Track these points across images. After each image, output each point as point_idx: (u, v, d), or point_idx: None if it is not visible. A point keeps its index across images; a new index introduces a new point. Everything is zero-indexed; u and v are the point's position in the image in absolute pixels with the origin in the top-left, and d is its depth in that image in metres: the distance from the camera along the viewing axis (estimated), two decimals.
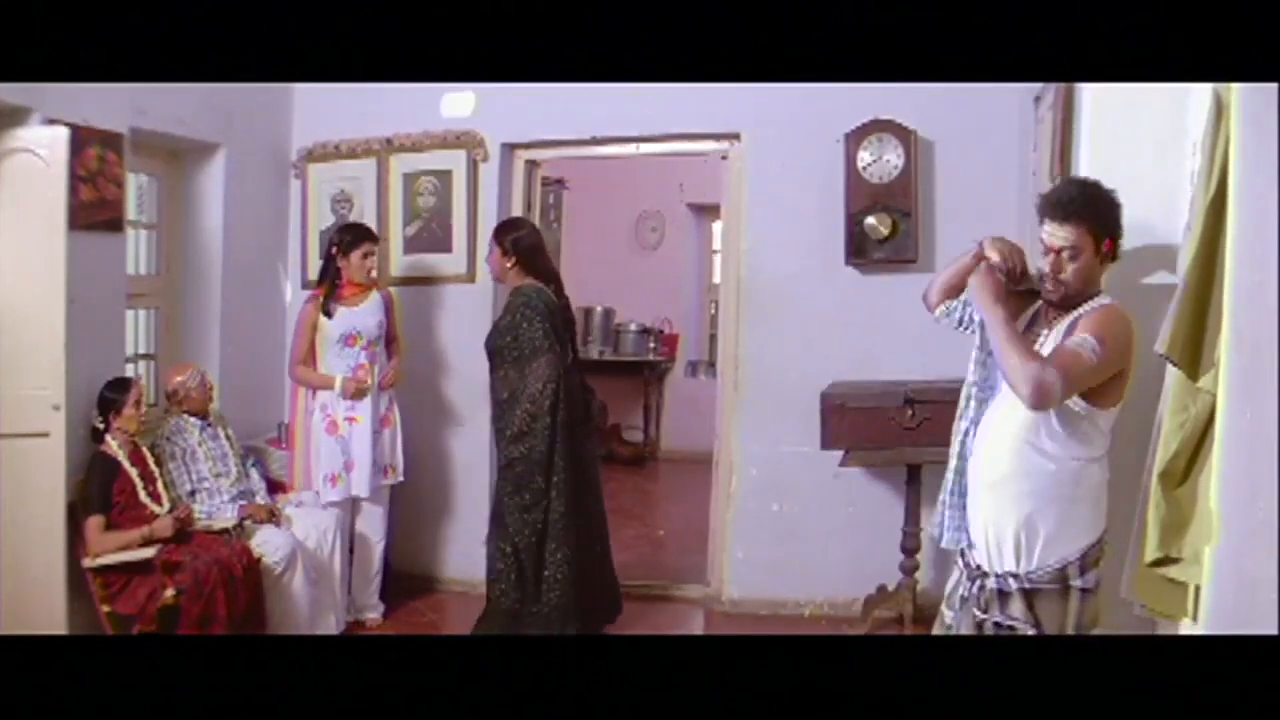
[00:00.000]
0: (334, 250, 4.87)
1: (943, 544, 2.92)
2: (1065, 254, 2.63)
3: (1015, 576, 2.63)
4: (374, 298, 4.91)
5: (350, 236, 4.87)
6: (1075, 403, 2.55)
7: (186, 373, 4.64)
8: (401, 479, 5.02)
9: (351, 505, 4.92)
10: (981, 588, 2.72)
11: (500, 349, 4.49)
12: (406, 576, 5.44)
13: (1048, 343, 2.65)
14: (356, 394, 4.80)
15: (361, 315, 4.86)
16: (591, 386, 4.72)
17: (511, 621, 4.45)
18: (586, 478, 4.63)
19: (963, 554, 2.82)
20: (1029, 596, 2.62)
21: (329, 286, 4.88)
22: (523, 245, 4.62)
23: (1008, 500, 2.65)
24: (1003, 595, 2.66)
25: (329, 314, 4.83)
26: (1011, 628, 2.64)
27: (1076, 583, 2.60)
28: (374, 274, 4.93)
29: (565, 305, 4.68)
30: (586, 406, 4.67)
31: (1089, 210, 2.63)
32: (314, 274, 5.51)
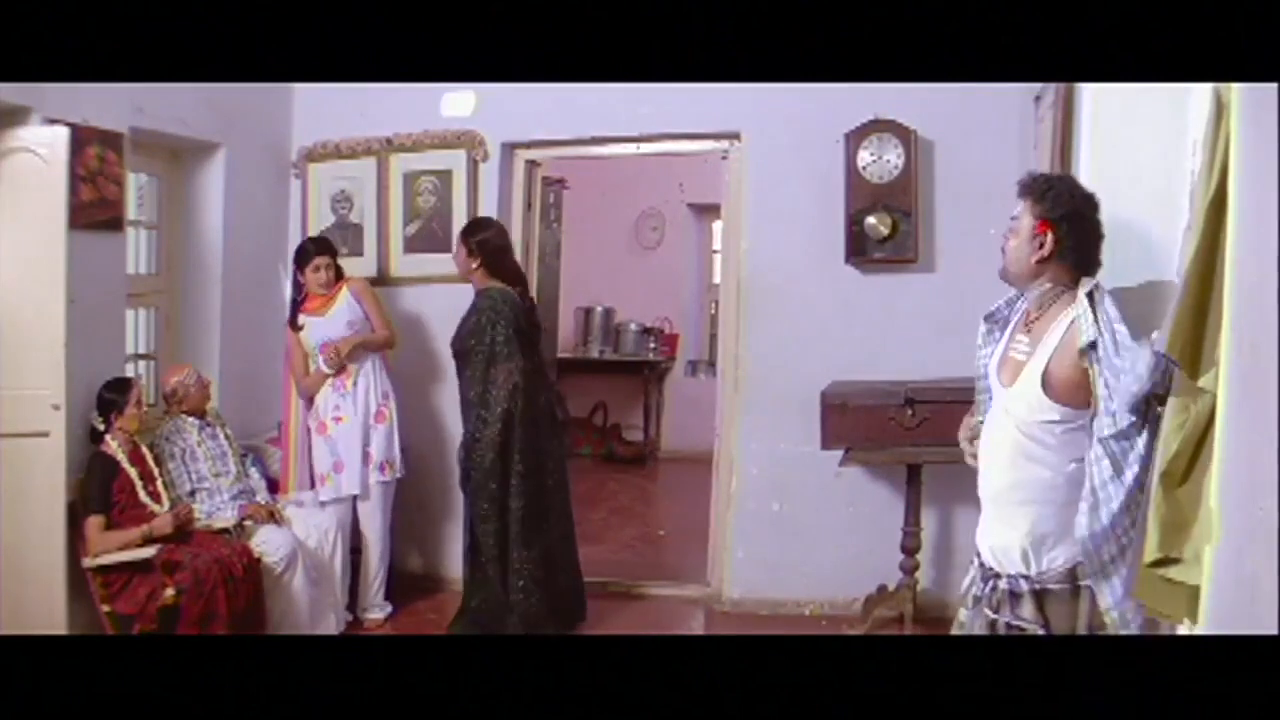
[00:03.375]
0: (295, 266, 4.99)
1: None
2: (1010, 226, 2.68)
3: (1026, 578, 2.62)
4: (340, 301, 4.93)
5: (307, 250, 4.96)
6: (1067, 413, 2.54)
7: (183, 373, 4.64)
8: (400, 474, 5.01)
9: (353, 504, 4.92)
10: (994, 588, 2.71)
11: (468, 351, 4.52)
12: (411, 576, 5.44)
13: (1038, 351, 2.61)
14: (335, 363, 4.83)
15: (329, 324, 4.89)
16: (559, 390, 4.71)
17: (488, 625, 4.47)
18: (552, 481, 4.63)
19: (978, 553, 2.82)
20: (1039, 597, 2.61)
21: (292, 302, 5.02)
22: (489, 246, 4.65)
23: (1010, 511, 2.65)
24: (1014, 596, 2.65)
25: (297, 327, 4.93)
26: (1021, 629, 2.63)
27: (1087, 581, 2.59)
28: (331, 284, 4.95)
29: (531, 308, 4.72)
30: (551, 409, 4.66)
31: (1034, 188, 2.65)
32: None
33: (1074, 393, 2.52)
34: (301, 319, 4.93)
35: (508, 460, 4.43)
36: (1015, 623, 2.65)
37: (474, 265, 4.61)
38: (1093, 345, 2.47)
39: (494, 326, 4.48)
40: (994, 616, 2.70)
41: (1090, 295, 2.53)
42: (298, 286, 4.96)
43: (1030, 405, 2.58)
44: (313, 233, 5.63)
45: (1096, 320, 2.47)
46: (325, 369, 4.84)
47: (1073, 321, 2.54)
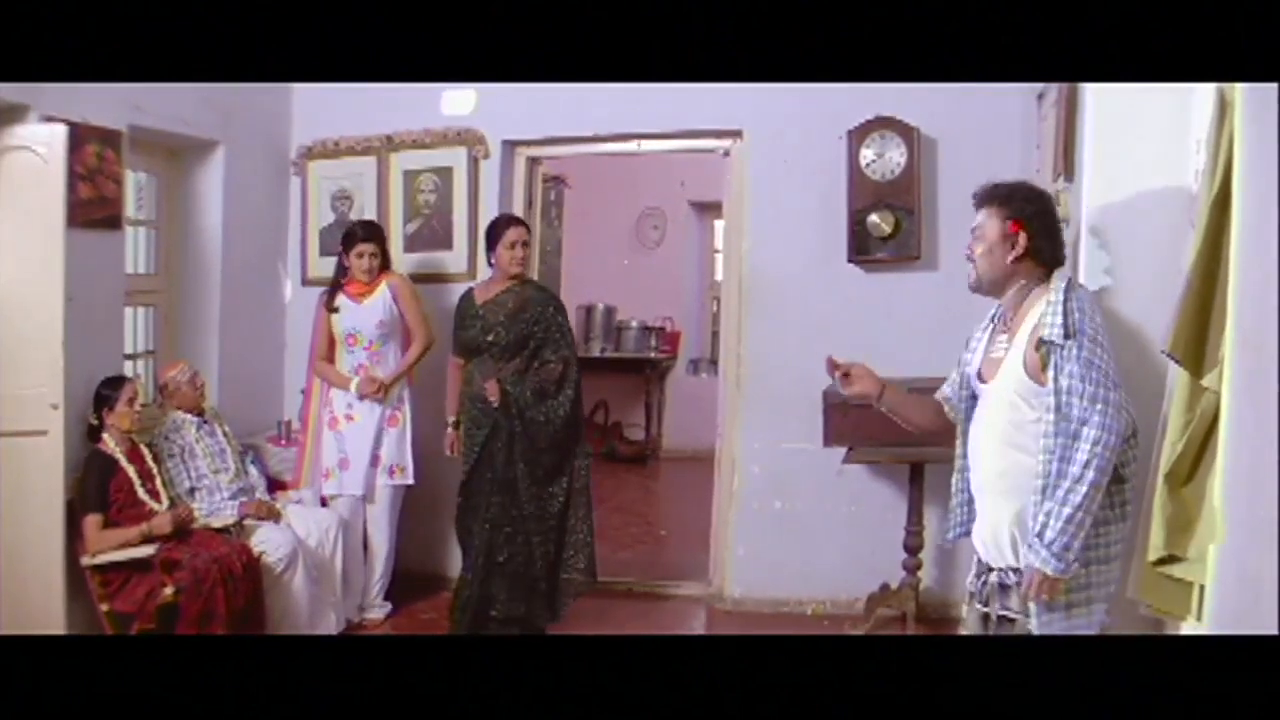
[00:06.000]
0: (341, 247, 4.92)
1: (945, 541, 2.97)
2: (974, 236, 2.74)
3: (1015, 570, 2.65)
4: (378, 295, 4.89)
5: (355, 233, 4.90)
6: (1044, 393, 2.56)
7: (177, 368, 4.65)
8: (410, 481, 4.99)
9: (362, 504, 4.92)
10: (985, 582, 2.77)
11: (529, 337, 4.56)
12: (414, 575, 5.43)
13: (1015, 343, 2.67)
14: (374, 393, 4.82)
15: (362, 314, 4.86)
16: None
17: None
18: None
19: (977, 549, 2.85)
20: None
21: (333, 282, 4.95)
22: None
23: (998, 499, 2.70)
24: (1003, 588, 2.71)
25: (332, 309, 4.88)
26: (1012, 620, 2.68)
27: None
28: (373, 273, 4.89)
29: None
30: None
31: (996, 194, 2.72)
32: (314, 271, 5.63)
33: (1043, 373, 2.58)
34: (339, 300, 4.90)
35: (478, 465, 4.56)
36: (1003, 614, 2.71)
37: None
38: (1050, 344, 2.54)
39: (561, 314, 4.64)
40: (985, 609, 2.77)
41: (1066, 291, 2.58)
42: (342, 269, 4.92)
43: (1013, 391, 2.64)
44: (312, 232, 5.66)
45: (1066, 323, 2.53)
46: (354, 392, 4.84)
47: (1045, 308, 2.60)
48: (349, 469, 4.85)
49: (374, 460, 4.88)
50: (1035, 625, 2.59)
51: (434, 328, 5.08)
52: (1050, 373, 2.53)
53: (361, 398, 4.84)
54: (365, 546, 4.96)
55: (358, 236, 4.86)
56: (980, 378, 2.78)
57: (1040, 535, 2.49)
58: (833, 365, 3.00)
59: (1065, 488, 2.45)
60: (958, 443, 2.90)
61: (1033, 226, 2.66)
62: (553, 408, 4.50)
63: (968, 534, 2.88)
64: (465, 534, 4.60)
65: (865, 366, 3.01)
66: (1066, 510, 2.45)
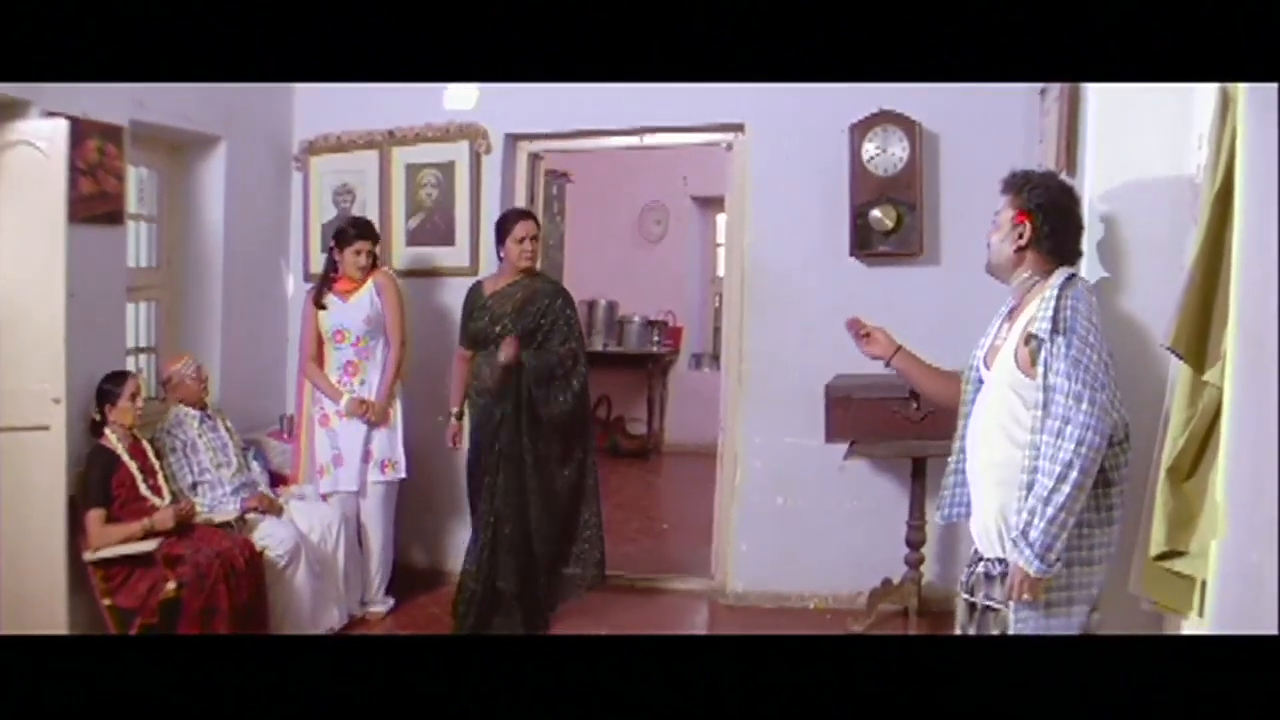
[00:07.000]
0: (333, 244, 4.91)
1: (938, 520, 3.03)
2: (993, 222, 2.80)
3: (1001, 561, 2.67)
4: (365, 291, 4.89)
5: (348, 231, 4.89)
6: (1034, 386, 2.56)
7: (181, 362, 4.65)
8: (403, 475, 4.99)
9: (356, 500, 4.92)
10: (973, 572, 2.79)
11: (537, 329, 4.61)
12: (415, 570, 5.45)
13: (1012, 334, 2.69)
14: (360, 414, 4.83)
15: (349, 311, 4.86)
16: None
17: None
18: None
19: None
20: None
21: (322, 278, 4.96)
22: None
23: (989, 490, 2.71)
24: (988, 578, 2.72)
25: (320, 305, 4.89)
26: (995, 610, 2.70)
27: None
28: (366, 270, 4.89)
29: None
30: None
31: (1014, 183, 2.77)
32: (316, 267, 5.59)
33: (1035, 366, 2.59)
34: (328, 298, 4.90)
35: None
36: (987, 603, 2.73)
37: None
38: (1039, 340, 2.55)
39: (569, 306, 4.71)
40: (970, 599, 2.79)
41: (1061, 288, 2.58)
42: (333, 264, 4.93)
43: (1005, 381, 2.66)
44: (314, 227, 5.66)
45: (1055, 319, 2.53)
46: (344, 410, 4.84)
47: (1039, 303, 2.61)
48: (343, 465, 4.86)
49: (365, 456, 4.88)
50: (1013, 621, 2.61)
51: (431, 323, 5.09)
52: (1039, 369, 2.54)
53: (348, 416, 4.85)
54: (361, 541, 4.96)
55: (355, 234, 4.86)
56: (985, 364, 2.79)
57: (1024, 534, 2.51)
58: (857, 325, 3.08)
59: (1049, 487, 2.46)
60: (959, 423, 2.90)
61: (1038, 218, 2.68)
62: (559, 399, 4.55)
63: (963, 516, 2.90)
64: (474, 516, 4.66)
65: (885, 331, 3.09)
66: (1050, 510, 2.46)
